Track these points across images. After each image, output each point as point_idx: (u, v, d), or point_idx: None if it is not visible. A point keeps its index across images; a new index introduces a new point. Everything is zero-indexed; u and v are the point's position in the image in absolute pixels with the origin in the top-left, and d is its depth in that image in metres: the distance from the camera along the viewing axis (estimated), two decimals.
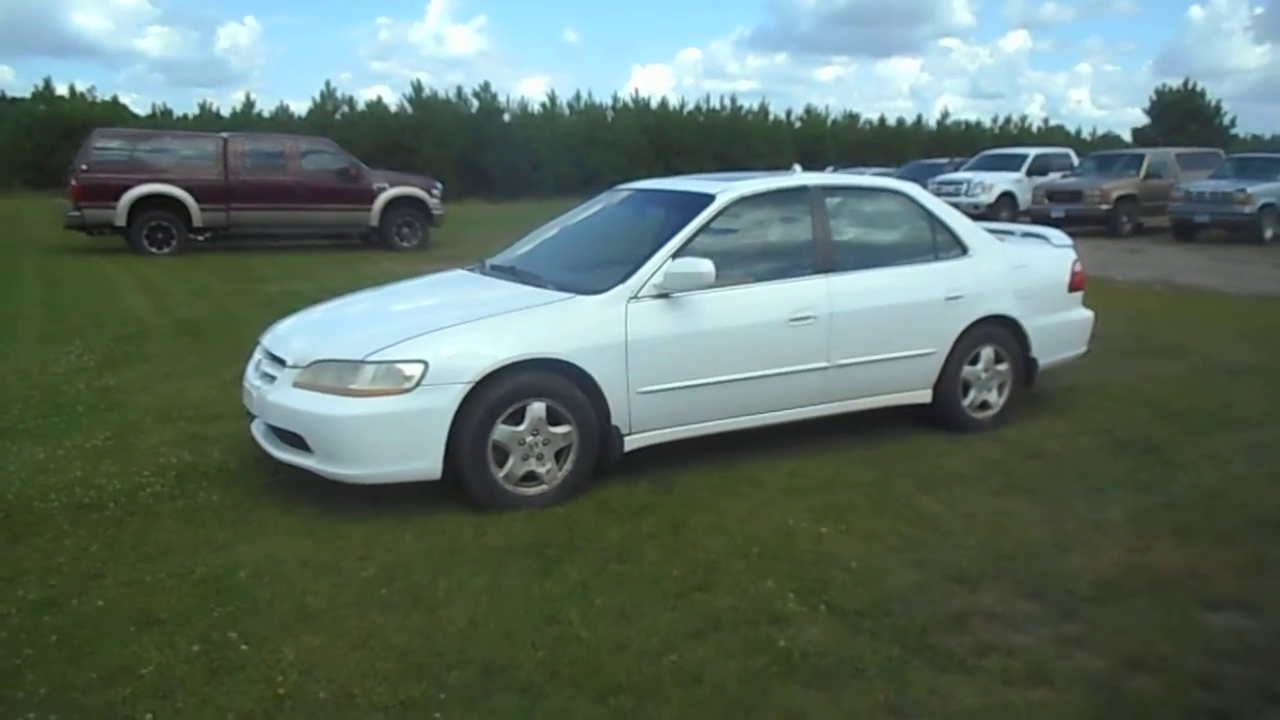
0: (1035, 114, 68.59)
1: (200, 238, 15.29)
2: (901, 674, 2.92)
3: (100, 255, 14.56)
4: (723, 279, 4.60)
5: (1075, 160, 22.80)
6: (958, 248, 5.51)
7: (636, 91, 47.92)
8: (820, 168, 33.00)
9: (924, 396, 5.39)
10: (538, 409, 4.25)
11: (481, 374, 4.11)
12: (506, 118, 37.40)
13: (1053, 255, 6.04)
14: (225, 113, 35.37)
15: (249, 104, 35.95)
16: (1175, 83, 47.82)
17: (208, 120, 33.53)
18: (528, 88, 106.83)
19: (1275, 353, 7.49)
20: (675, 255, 4.60)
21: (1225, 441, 5.24)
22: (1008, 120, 47.47)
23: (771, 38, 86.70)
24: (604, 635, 3.13)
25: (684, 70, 77.85)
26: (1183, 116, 45.19)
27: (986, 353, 5.51)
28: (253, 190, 15.16)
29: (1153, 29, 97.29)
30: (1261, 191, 17.60)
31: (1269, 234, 17.55)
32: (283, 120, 34.33)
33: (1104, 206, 18.98)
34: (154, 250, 14.73)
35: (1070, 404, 6.01)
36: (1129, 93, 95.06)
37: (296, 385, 4.25)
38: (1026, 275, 5.70)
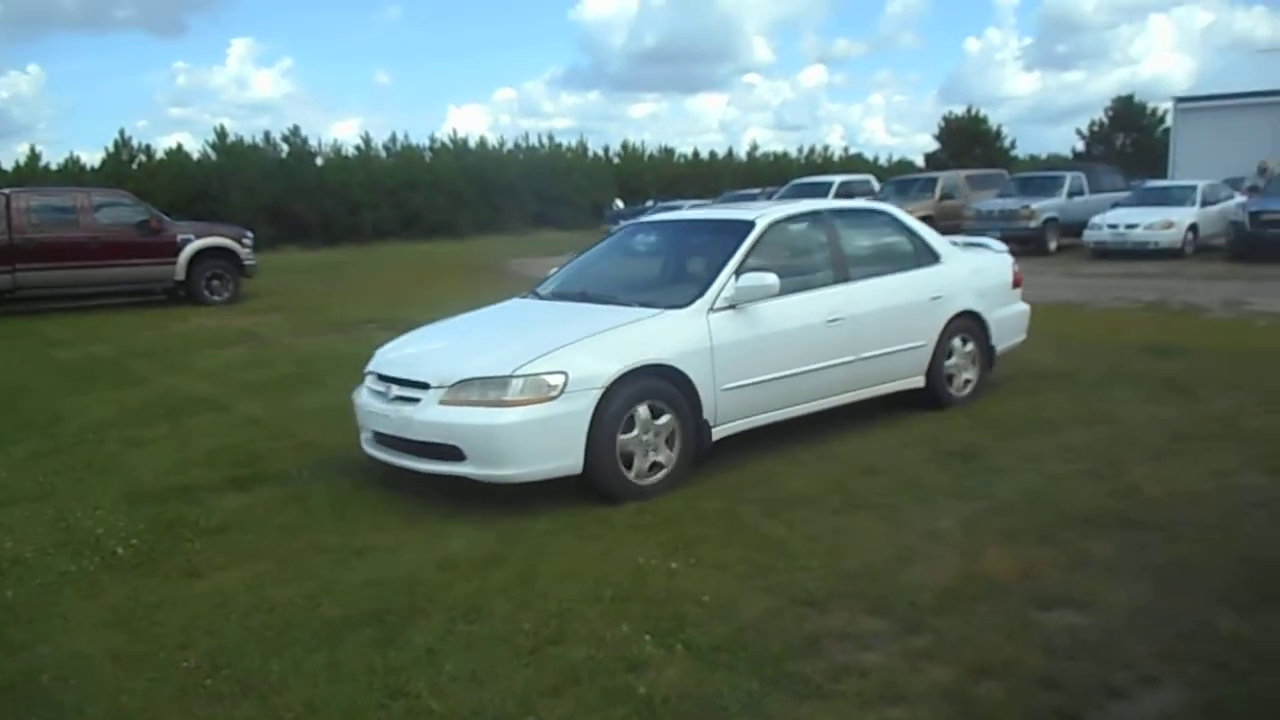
0: (836, 143, 72.18)
1: None
2: (762, 708, 2.89)
3: None
4: None
5: (876, 185, 24.15)
6: (932, 256, 6.50)
7: (455, 131, 47.36)
8: (641, 202, 33.68)
9: (919, 382, 6.31)
10: (650, 408, 4.88)
11: (612, 379, 4.72)
12: (319, 161, 36.29)
13: (998, 259, 7.11)
14: (8, 166, 32.63)
15: (34, 156, 33.23)
16: (959, 109, 51.71)
17: None
18: (340, 130, 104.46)
19: (1074, 356, 8.07)
20: (737, 272, 5.33)
21: (1039, 444, 5.57)
22: (812, 150, 50.08)
23: (584, 76, 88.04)
24: (456, 703, 2.96)
25: (500, 109, 77.98)
26: (968, 141, 48.76)
27: (960, 342, 6.50)
28: (41, 249, 13.94)
29: (935, 60, 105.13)
30: (1044, 207, 19.20)
31: (1053, 245, 19.12)
32: (73, 172, 31.84)
33: None
34: None
35: (894, 417, 6.23)
36: (918, 120, 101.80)
37: (444, 403, 4.69)
38: (983, 277, 6.77)
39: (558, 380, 4.61)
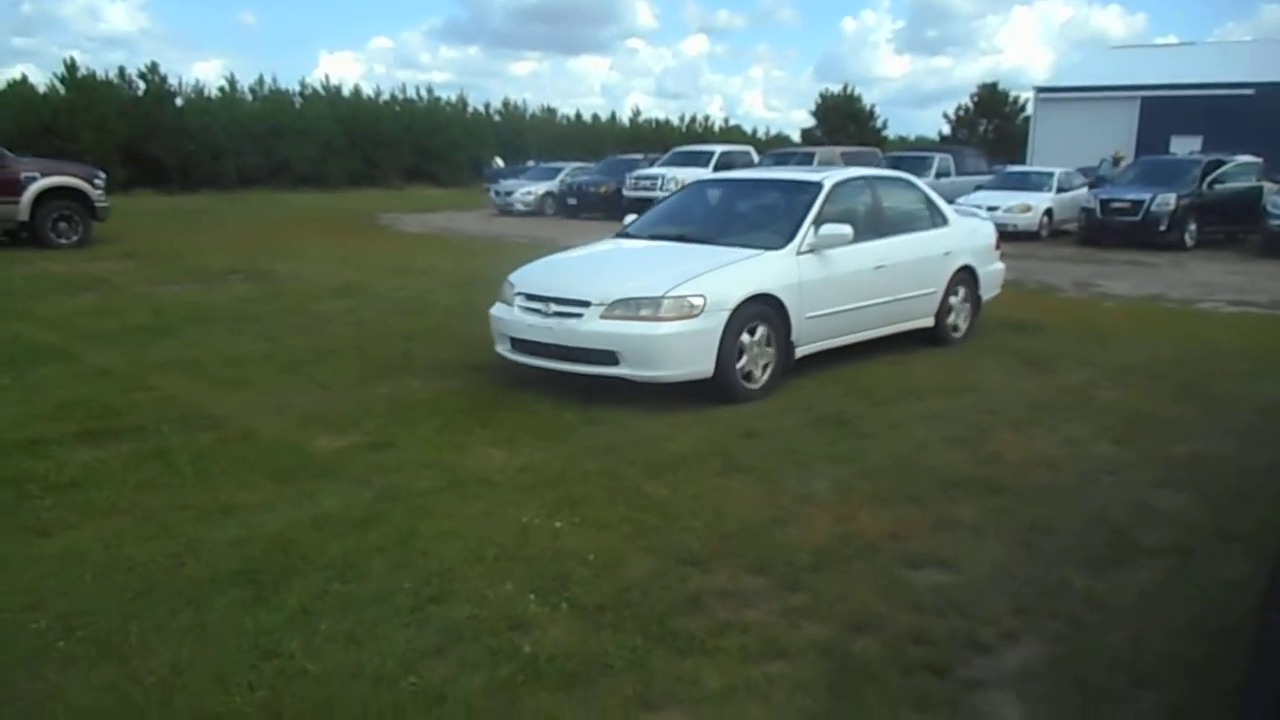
0: (716, 114, 73.03)
1: None
2: (646, 664, 2.91)
3: None
4: None
5: (756, 157, 24.42)
6: (942, 219, 7.80)
7: (327, 78, 45.50)
8: (522, 161, 33.14)
9: (929, 322, 7.59)
10: (757, 328, 5.97)
11: (738, 303, 5.82)
12: (179, 102, 34.22)
13: (985, 225, 8.70)
14: None
15: None
16: (835, 88, 52.84)
17: None
18: (202, 71, 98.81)
19: None
20: (815, 223, 6.47)
21: (907, 411, 5.78)
22: (693, 119, 50.28)
23: (463, 30, 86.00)
24: (333, 664, 2.87)
25: (375, 58, 75.52)
26: (843, 118, 49.95)
27: (959, 291, 7.79)
28: None
29: (813, 38, 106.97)
30: None
31: None
32: None
33: None
34: None
35: (774, 384, 6.35)
36: (794, 96, 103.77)
37: (603, 318, 5.67)
38: (976, 238, 8.18)
39: (699, 301, 5.68)
